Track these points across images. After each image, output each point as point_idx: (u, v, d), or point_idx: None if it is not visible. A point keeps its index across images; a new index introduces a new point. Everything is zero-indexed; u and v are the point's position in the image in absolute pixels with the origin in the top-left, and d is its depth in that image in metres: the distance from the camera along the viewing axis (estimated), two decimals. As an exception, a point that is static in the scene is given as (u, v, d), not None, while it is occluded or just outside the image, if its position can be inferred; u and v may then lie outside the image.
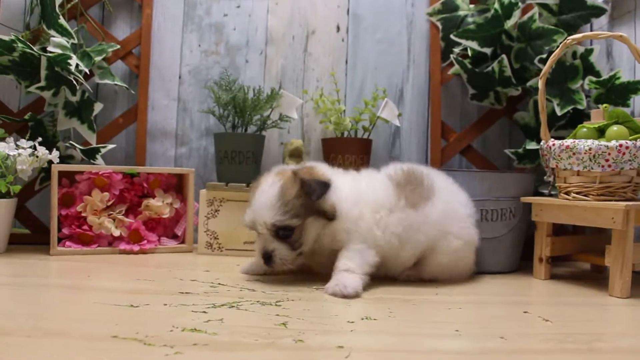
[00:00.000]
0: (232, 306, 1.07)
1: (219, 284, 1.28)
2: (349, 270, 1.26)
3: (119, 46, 1.85)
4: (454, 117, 2.02)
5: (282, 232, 1.25)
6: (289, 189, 1.26)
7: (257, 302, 1.11)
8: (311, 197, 1.25)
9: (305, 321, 0.98)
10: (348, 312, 1.06)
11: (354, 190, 1.32)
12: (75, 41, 1.75)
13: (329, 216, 1.28)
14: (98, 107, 1.78)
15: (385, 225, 1.31)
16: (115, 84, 1.82)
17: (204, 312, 1.01)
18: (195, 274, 1.39)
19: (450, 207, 1.39)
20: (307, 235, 1.28)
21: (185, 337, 0.86)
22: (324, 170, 1.35)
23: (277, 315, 1.01)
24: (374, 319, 1.01)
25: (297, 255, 1.30)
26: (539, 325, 1.02)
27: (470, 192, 1.47)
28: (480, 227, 1.46)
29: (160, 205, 1.74)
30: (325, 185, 1.27)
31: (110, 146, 1.78)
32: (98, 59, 1.76)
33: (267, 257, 1.27)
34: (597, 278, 1.53)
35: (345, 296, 1.19)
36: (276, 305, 1.09)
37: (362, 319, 1.01)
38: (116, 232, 1.67)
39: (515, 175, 1.58)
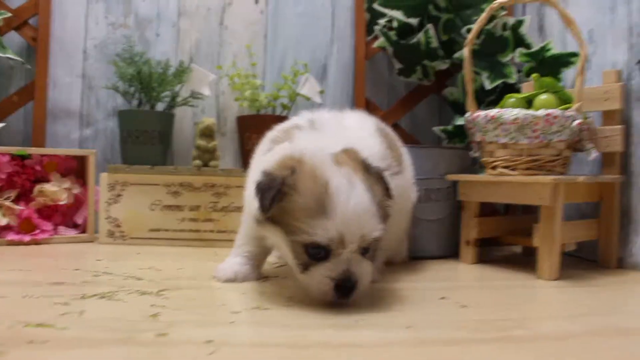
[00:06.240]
0: (104, 297, 0.91)
1: (105, 272, 1.12)
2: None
3: (10, 14, 1.65)
4: (381, 94, 1.89)
5: (370, 247, 0.88)
6: (375, 187, 0.89)
7: (137, 291, 0.96)
8: (390, 194, 0.94)
9: (181, 311, 0.83)
10: (238, 301, 0.92)
11: None
12: (-43, 7, 1.56)
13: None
14: (-18, 81, 1.60)
15: None
16: (9, 58, 1.63)
17: (66, 303, 0.86)
18: (82, 263, 1.23)
19: (407, 188, 1.18)
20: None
21: (24, 334, 0.70)
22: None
23: (153, 305, 0.86)
24: (266, 309, 0.87)
25: None
26: (454, 312, 0.89)
27: (416, 169, 1.30)
28: (425, 208, 1.34)
29: (56, 190, 1.56)
30: None
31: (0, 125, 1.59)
32: (-17, 27, 1.57)
33: (352, 285, 0.85)
34: (527, 261, 1.42)
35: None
36: (157, 294, 0.94)
37: (252, 308, 0.87)
38: (3, 221, 1.48)
39: (459, 152, 1.47)
